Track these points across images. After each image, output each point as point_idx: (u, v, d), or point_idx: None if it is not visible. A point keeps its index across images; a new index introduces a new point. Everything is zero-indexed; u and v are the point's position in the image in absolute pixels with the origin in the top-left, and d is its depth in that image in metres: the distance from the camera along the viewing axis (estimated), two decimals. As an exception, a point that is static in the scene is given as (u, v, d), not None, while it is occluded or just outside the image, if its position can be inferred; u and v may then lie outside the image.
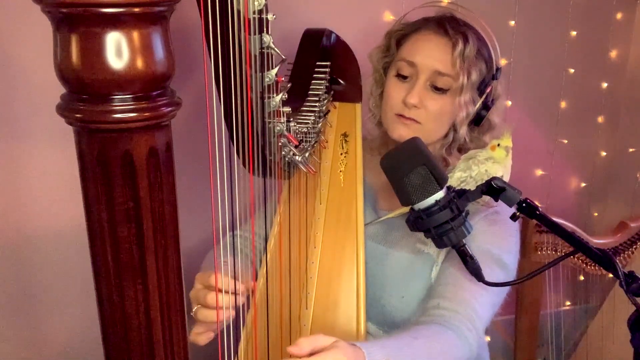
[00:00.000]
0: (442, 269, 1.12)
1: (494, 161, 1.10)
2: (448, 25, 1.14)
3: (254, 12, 0.74)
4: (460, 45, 1.11)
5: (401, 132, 1.16)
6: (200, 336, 1.00)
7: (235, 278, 0.96)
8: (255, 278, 1.16)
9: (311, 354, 0.78)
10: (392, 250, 1.18)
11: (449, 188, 0.96)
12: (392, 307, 1.14)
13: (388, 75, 1.20)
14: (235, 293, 0.96)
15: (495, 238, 1.11)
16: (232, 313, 0.96)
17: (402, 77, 1.17)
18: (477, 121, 1.18)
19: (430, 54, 1.14)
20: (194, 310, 0.99)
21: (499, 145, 1.10)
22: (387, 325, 1.16)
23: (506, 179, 1.10)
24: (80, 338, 1.59)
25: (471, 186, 1.09)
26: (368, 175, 1.25)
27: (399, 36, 1.21)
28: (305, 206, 1.19)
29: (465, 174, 1.10)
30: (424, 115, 1.15)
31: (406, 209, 1.01)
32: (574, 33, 1.92)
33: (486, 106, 1.17)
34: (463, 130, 1.17)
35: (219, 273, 0.95)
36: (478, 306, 1.04)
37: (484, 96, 1.16)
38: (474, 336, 1.00)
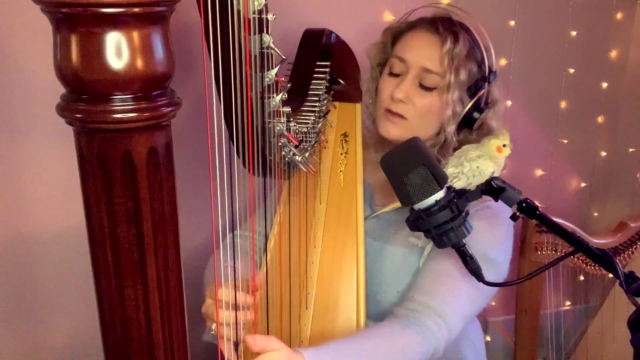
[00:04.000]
0: (426, 261, 1.13)
1: (485, 158, 1.10)
2: (440, 24, 1.15)
3: (254, 12, 0.74)
4: (448, 43, 1.12)
5: (388, 129, 1.18)
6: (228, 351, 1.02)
7: (236, 287, 0.97)
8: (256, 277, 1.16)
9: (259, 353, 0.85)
10: (387, 246, 1.18)
11: (448, 188, 0.96)
12: (388, 302, 1.15)
13: (382, 72, 1.22)
14: (238, 306, 0.98)
15: (483, 234, 1.09)
16: (249, 317, 0.99)
17: (394, 74, 1.18)
18: (470, 123, 1.17)
19: (420, 52, 1.15)
20: (213, 328, 1.02)
21: (504, 145, 1.10)
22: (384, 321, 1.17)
23: (497, 173, 1.11)
24: (80, 338, 1.59)
25: (463, 182, 1.09)
26: (365, 171, 1.25)
27: (395, 33, 1.22)
28: (305, 206, 1.19)
29: (457, 169, 1.10)
30: (411, 112, 1.15)
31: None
32: (574, 33, 1.92)
33: (479, 109, 1.17)
34: (450, 129, 1.16)
35: (220, 287, 0.97)
36: (454, 301, 1.04)
37: (475, 98, 1.16)
38: (442, 330, 1.01)
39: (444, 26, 1.15)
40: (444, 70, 1.12)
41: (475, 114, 1.17)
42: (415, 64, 1.15)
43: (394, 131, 1.17)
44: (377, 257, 1.18)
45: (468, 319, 1.09)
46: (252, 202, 0.92)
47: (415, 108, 1.15)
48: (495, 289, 1.11)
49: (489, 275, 0.98)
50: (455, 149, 1.21)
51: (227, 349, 1.00)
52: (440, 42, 1.13)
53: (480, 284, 0.96)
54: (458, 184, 1.08)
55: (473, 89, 1.16)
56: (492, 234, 1.12)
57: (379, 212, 1.22)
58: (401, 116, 1.16)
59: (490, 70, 1.17)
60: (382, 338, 0.99)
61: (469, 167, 1.09)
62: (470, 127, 1.18)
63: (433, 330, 1.00)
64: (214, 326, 1.01)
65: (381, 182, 1.24)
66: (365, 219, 1.21)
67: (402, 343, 0.98)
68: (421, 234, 0.98)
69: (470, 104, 1.15)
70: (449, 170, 1.10)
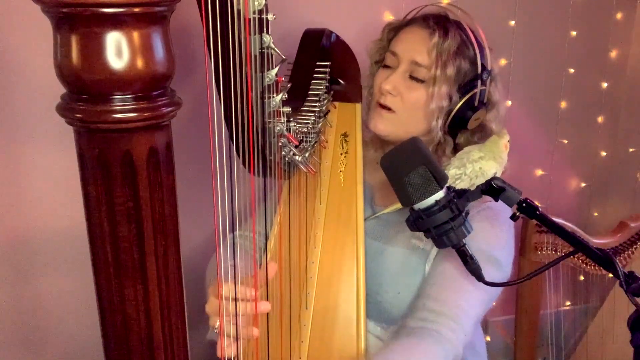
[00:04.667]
0: (432, 267, 1.12)
1: (488, 158, 1.10)
2: (432, 20, 1.17)
3: (254, 12, 0.74)
4: (436, 37, 1.13)
5: (376, 123, 1.19)
6: (228, 348, 0.99)
7: (236, 282, 0.96)
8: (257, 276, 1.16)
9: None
10: (387, 247, 1.18)
11: (449, 188, 0.96)
12: (388, 303, 1.15)
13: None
14: (239, 298, 0.96)
15: (486, 234, 1.10)
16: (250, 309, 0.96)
17: (387, 67, 1.19)
18: (463, 122, 1.17)
19: (410, 45, 1.17)
20: (216, 325, 1.00)
21: (508, 141, 1.12)
22: (384, 321, 1.17)
23: (499, 173, 1.11)
24: (80, 338, 1.59)
25: (465, 183, 1.09)
26: (364, 171, 1.25)
27: (392, 30, 1.23)
28: (306, 206, 1.19)
29: (459, 170, 1.10)
30: (399, 104, 1.16)
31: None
32: (574, 33, 1.92)
33: (472, 107, 1.17)
34: (436, 124, 1.16)
35: (222, 282, 0.95)
36: (465, 304, 1.04)
37: (467, 96, 1.15)
38: (459, 336, 1.01)
39: (435, 21, 1.16)
40: (431, 63, 1.13)
41: (469, 113, 1.16)
42: (405, 57, 1.16)
43: (382, 125, 1.18)
44: (377, 258, 1.18)
45: (478, 320, 1.09)
46: (252, 202, 0.92)
47: (403, 101, 1.16)
48: (500, 289, 1.11)
49: (494, 276, 0.99)
50: (454, 150, 1.21)
51: (229, 345, 1.00)
52: (429, 35, 1.14)
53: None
54: (461, 185, 1.08)
55: (465, 87, 1.15)
56: (495, 235, 1.12)
57: (380, 213, 1.22)
58: (389, 109, 1.17)
59: (485, 69, 1.16)
60: (401, 354, 0.98)
61: (472, 169, 1.09)
62: (464, 126, 1.18)
63: (450, 338, 1.00)
64: (217, 324, 1.00)
65: (381, 182, 1.24)
66: (366, 219, 1.21)
67: (423, 356, 0.98)
68: (423, 235, 0.98)
69: (462, 101, 1.15)
70: (452, 171, 1.10)
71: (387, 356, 0.97)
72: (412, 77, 1.16)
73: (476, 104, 1.17)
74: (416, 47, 1.15)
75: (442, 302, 1.05)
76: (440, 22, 1.16)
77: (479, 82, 1.16)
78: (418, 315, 1.05)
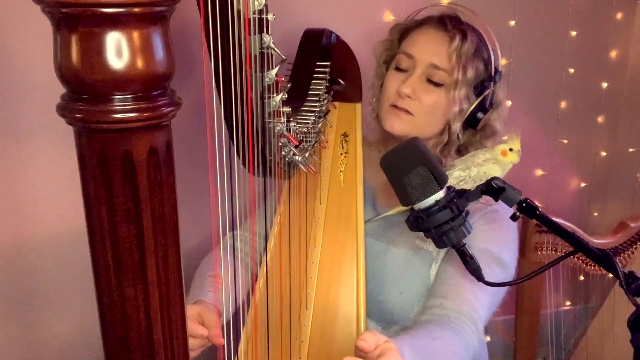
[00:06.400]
0: (443, 267, 1.13)
1: (493, 162, 1.10)
2: (448, 22, 1.16)
3: (254, 12, 0.74)
4: (457, 41, 1.13)
5: (393, 123, 1.18)
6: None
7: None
8: (255, 279, 1.17)
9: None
10: (390, 247, 1.18)
11: (449, 188, 0.96)
12: (390, 303, 1.15)
13: (389, 68, 1.22)
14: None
15: (494, 236, 1.12)
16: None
17: (400, 70, 1.18)
18: (473, 123, 1.18)
19: (428, 48, 1.16)
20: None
21: (510, 150, 1.12)
22: (385, 321, 1.17)
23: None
24: (80, 338, 1.59)
25: (469, 186, 1.09)
26: (367, 172, 1.26)
27: (402, 30, 1.23)
28: (305, 206, 1.19)
29: (464, 173, 1.10)
30: (417, 107, 1.15)
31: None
32: (574, 33, 1.92)
33: (483, 108, 1.17)
34: (456, 127, 1.17)
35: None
36: (479, 306, 1.05)
37: (480, 97, 1.16)
38: (477, 337, 1.02)
39: (452, 24, 1.16)
40: (452, 67, 1.13)
41: (480, 114, 1.17)
42: (423, 60, 1.15)
43: (399, 126, 1.17)
44: (380, 258, 1.18)
45: (487, 323, 1.10)
46: (252, 202, 0.92)
47: (422, 104, 1.15)
48: (504, 291, 1.12)
49: (501, 277, 0.99)
50: (458, 150, 1.21)
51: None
52: (448, 39, 1.14)
53: (496, 287, 0.97)
54: (464, 187, 1.08)
55: (479, 88, 1.16)
56: (503, 237, 1.14)
57: (384, 214, 1.22)
58: (407, 111, 1.16)
59: (497, 70, 1.17)
60: (443, 340, 0.99)
61: (477, 172, 1.09)
62: (474, 127, 1.18)
63: (471, 337, 1.01)
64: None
65: (383, 183, 1.24)
66: (369, 220, 1.21)
67: (455, 348, 0.99)
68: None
69: (476, 102, 1.16)
70: (456, 173, 1.10)
71: (410, 341, 0.95)
72: (430, 80, 1.15)
73: (487, 105, 1.17)
74: (434, 50, 1.15)
75: (459, 302, 1.05)
76: (456, 25, 1.16)
77: (492, 83, 1.16)
78: (437, 313, 1.05)
